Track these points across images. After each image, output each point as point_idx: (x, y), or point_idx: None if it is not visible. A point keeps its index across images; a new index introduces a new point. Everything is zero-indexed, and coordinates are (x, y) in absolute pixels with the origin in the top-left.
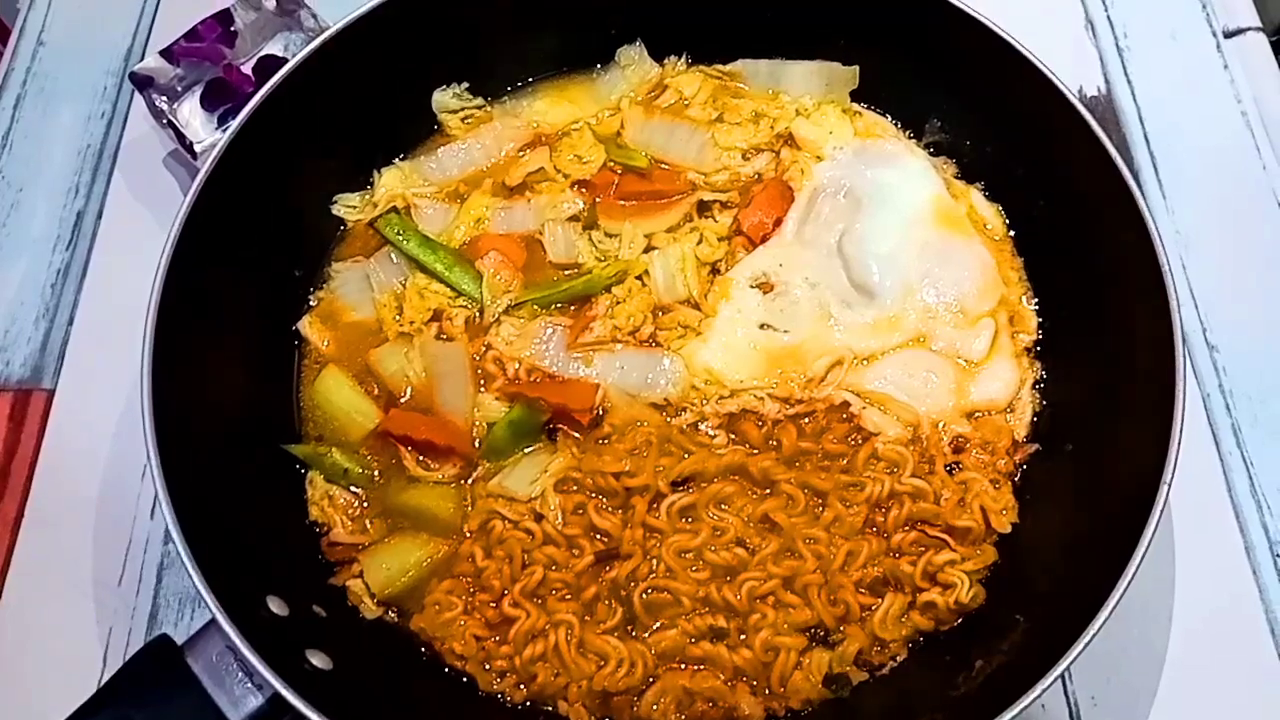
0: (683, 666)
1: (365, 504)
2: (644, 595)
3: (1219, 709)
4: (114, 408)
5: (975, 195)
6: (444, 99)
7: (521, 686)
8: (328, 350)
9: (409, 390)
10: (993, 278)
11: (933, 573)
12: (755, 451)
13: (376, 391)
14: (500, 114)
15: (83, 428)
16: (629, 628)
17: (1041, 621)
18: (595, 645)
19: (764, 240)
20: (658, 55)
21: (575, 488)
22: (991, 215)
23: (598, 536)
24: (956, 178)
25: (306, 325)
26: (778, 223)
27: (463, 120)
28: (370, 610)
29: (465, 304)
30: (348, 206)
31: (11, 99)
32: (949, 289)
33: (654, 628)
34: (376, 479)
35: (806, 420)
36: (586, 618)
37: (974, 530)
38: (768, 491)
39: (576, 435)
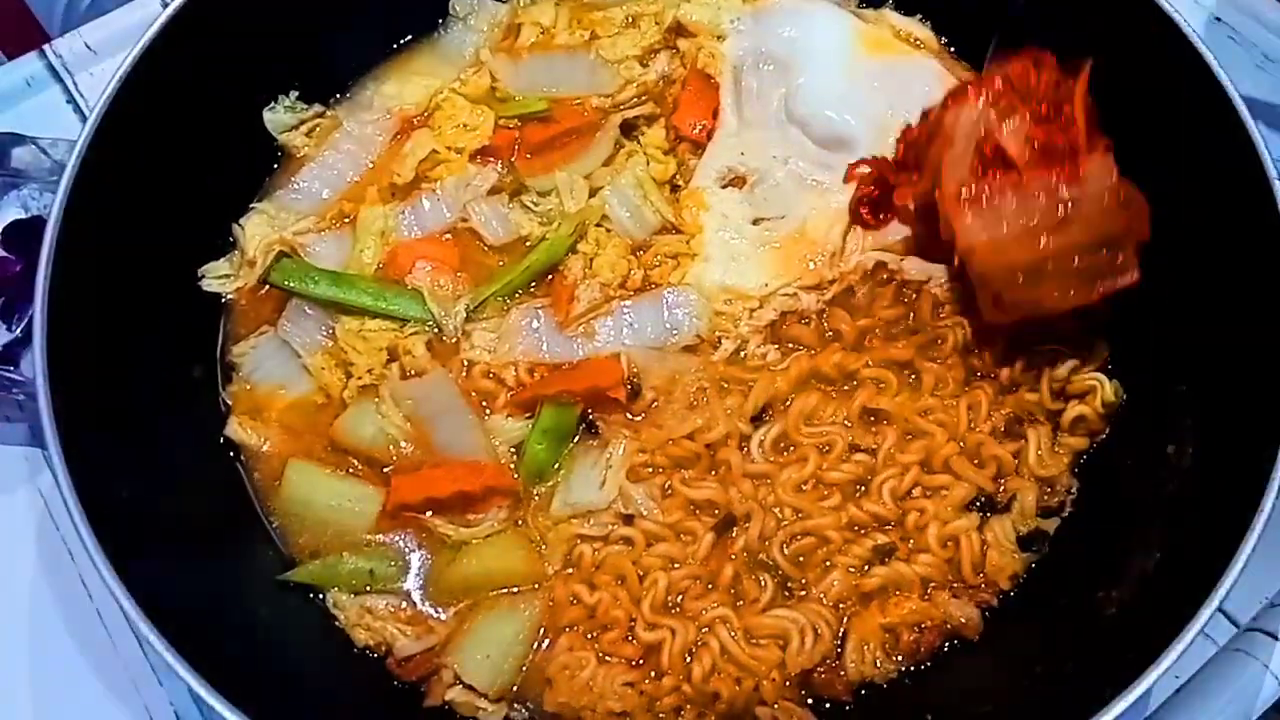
0: (869, 605)
1: (416, 598)
2: (785, 551)
3: None
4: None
5: (890, 15)
6: (277, 117)
7: (706, 714)
8: (271, 449)
9: (400, 449)
10: (952, 84)
11: (1060, 388)
12: (817, 351)
13: (360, 467)
14: (347, 113)
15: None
16: (788, 592)
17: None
18: (766, 627)
19: (709, 138)
20: None
21: (650, 470)
22: (916, 28)
23: (703, 511)
24: (861, 6)
25: (237, 428)
26: (714, 115)
27: (307, 134)
28: (493, 714)
29: (417, 328)
30: (219, 277)
31: None
32: (918, 106)
33: (814, 579)
34: (412, 565)
35: (851, 297)
36: (739, 603)
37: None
38: (853, 385)
39: (624, 415)
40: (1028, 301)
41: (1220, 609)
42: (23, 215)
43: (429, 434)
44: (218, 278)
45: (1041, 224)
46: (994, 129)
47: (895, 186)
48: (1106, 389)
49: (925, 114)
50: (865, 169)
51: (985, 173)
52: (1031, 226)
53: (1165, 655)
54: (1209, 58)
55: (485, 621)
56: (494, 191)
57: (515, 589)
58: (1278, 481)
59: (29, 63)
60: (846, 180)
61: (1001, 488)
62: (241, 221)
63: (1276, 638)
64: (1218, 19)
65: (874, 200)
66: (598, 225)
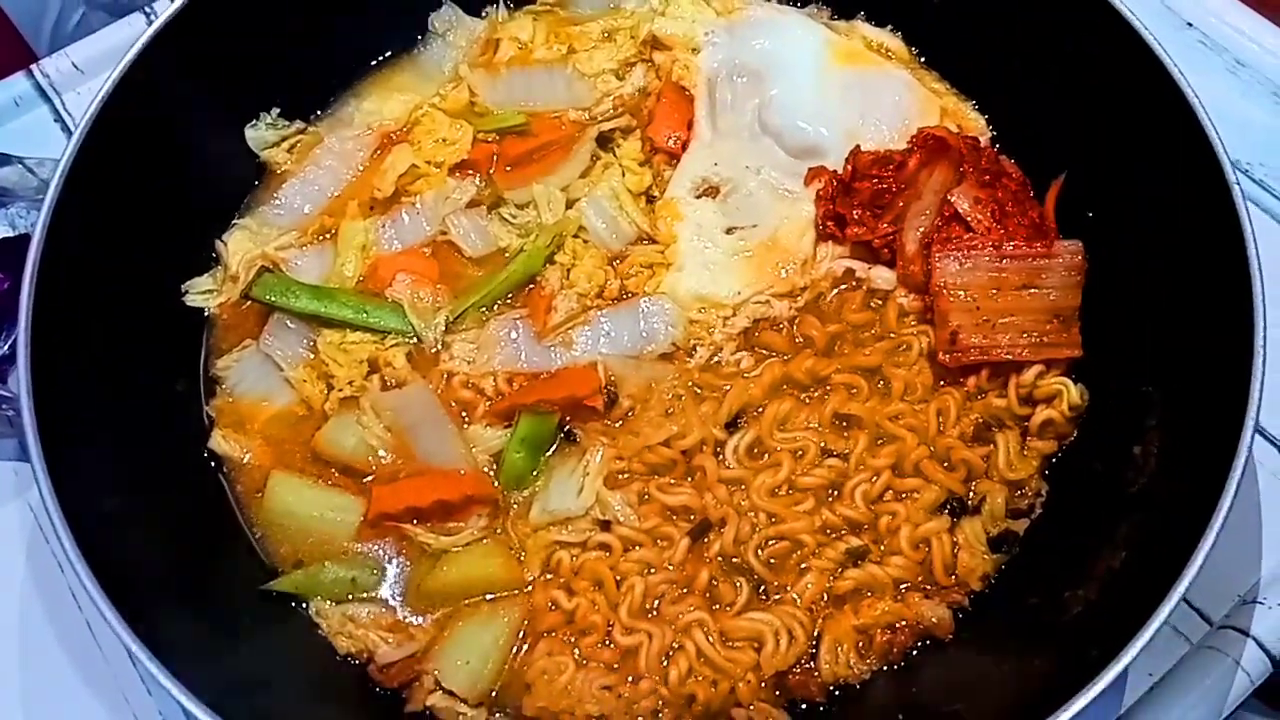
0: (842, 607)
1: (397, 606)
2: (760, 554)
3: None
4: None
5: (861, 26)
6: (259, 134)
7: (683, 716)
8: (254, 461)
9: (381, 459)
10: (923, 94)
11: (1027, 393)
12: (789, 357)
13: (340, 478)
14: (328, 129)
15: None
16: (763, 595)
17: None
18: (741, 630)
19: (684, 149)
20: (473, 10)
21: (627, 476)
22: (888, 39)
23: (679, 516)
24: (833, 18)
25: (220, 441)
26: (689, 127)
27: (288, 150)
28: (474, 719)
29: (397, 340)
30: (202, 293)
31: None
32: (889, 116)
33: (789, 582)
34: (393, 573)
35: (821, 303)
36: (714, 607)
37: None
38: (825, 391)
39: (602, 423)
40: (979, 347)
41: (1193, 607)
42: (10, 233)
43: (409, 444)
44: (201, 293)
45: (1010, 280)
46: (962, 198)
47: (849, 222)
48: (1072, 392)
49: (900, 163)
50: (819, 183)
51: (944, 227)
52: (1001, 280)
53: (1127, 650)
54: (1167, 61)
55: (465, 628)
56: (473, 204)
57: (495, 596)
58: (1237, 480)
59: (16, 82)
60: (807, 184)
61: (971, 490)
62: (224, 237)
63: (1248, 635)
64: (1189, 24)
65: (837, 215)
66: (575, 236)
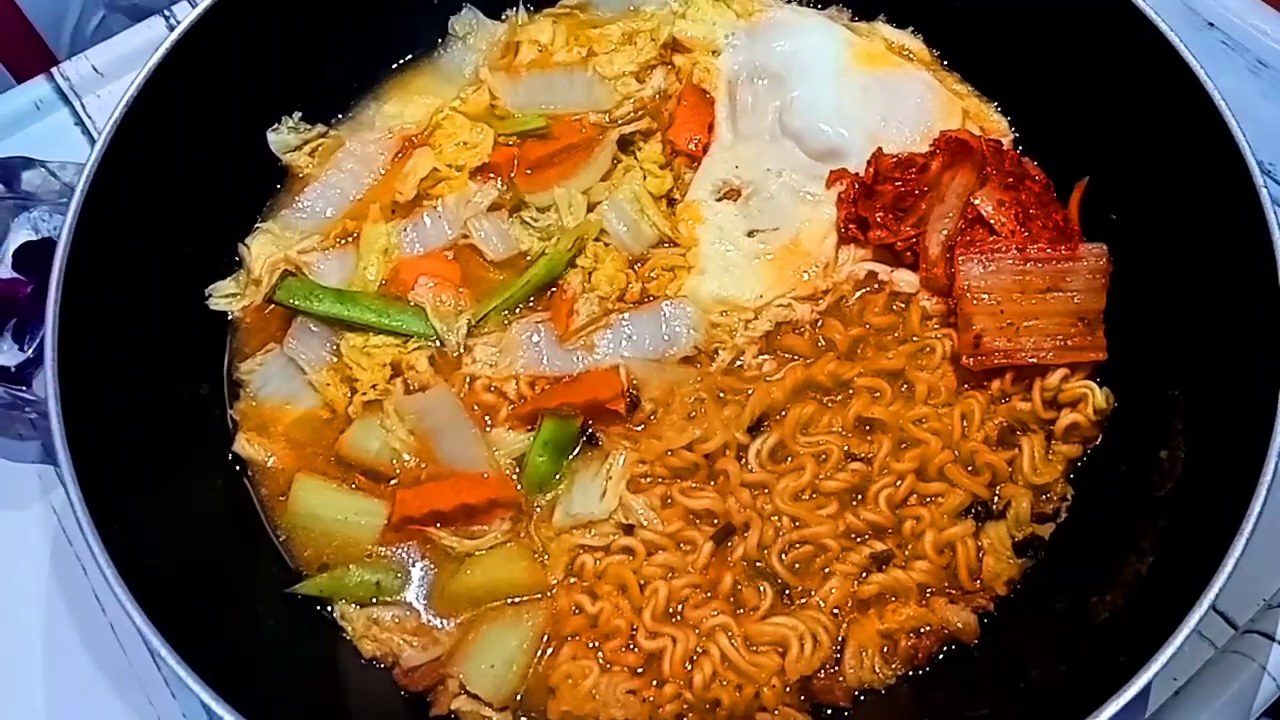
0: (867, 612)
1: (422, 609)
2: (783, 559)
3: None
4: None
5: (882, 28)
6: (281, 138)
7: None
8: (278, 464)
9: (404, 463)
10: (945, 96)
11: (1052, 397)
12: (811, 360)
13: (364, 482)
14: (349, 132)
15: None
16: (787, 599)
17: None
18: (765, 635)
19: (705, 152)
20: (493, 12)
21: (650, 480)
22: (909, 40)
23: (702, 520)
24: (854, 19)
25: (244, 444)
26: (709, 129)
27: (310, 154)
28: None
29: (420, 344)
30: (226, 296)
31: None
32: (910, 118)
33: (813, 586)
34: (417, 576)
35: (843, 305)
36: (738, 611)
37: None
38: (848, 394)
39: (624, 427)
40: (1003, 350)
41: (1218, 611)
42: (34, 237)
43: (433, 448)
44: (224, 296)
45: (1034, 283)
46: (985, 201)
47: (871, 225)
48: (1097, 396)
49: (922, 166)
50: (841, 185)
51: (968, 230)
52: (1025, 282)
53: (1156, 658)
54: (1191, 62)
55: (489, 632)
56: (494, 208)
57: (518, 599)
58: (1267, 484)
59: (37, 86)
60: (828, 187)
61: (996, 495)
62: (247, 241)
63: (1274, 639)
64: (1210, 24)
65: (859, 218)
66: (596, 240)
